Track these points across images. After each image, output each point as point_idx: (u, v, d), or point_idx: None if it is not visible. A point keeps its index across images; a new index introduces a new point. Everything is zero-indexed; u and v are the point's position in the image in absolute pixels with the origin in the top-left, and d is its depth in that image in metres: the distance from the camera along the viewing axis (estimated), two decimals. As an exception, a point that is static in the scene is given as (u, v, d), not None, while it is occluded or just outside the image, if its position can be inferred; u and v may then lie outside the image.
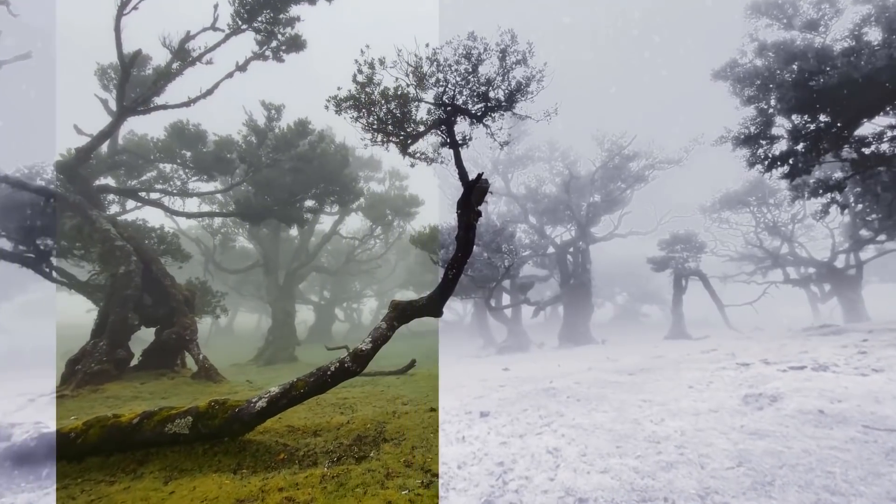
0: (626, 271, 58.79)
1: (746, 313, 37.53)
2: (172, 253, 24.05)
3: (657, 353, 14.67)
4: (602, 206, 34.72)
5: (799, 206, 33.93)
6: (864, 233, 31.98)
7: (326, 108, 13.98)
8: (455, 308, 75.28)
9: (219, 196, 36.19)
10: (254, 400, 6.81)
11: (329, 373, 7.05)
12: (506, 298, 40.41)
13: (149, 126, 25.98)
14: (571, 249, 36.06)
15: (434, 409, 8.41)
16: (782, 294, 38.05)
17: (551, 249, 36.95)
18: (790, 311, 50.84)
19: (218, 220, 38.28)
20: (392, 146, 15.11)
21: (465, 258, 8.72)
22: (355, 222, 45.41)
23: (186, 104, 16.28)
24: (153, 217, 23.22)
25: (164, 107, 16.03)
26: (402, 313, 8.19)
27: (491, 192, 11.21)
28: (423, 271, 61.95)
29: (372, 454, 6.33)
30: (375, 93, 13.64)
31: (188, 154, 24.01)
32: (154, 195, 24.84)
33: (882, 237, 30.20)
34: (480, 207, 10.49)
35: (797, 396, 5.96)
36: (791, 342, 11.76)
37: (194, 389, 13.33)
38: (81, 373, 13.61)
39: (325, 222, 42.57)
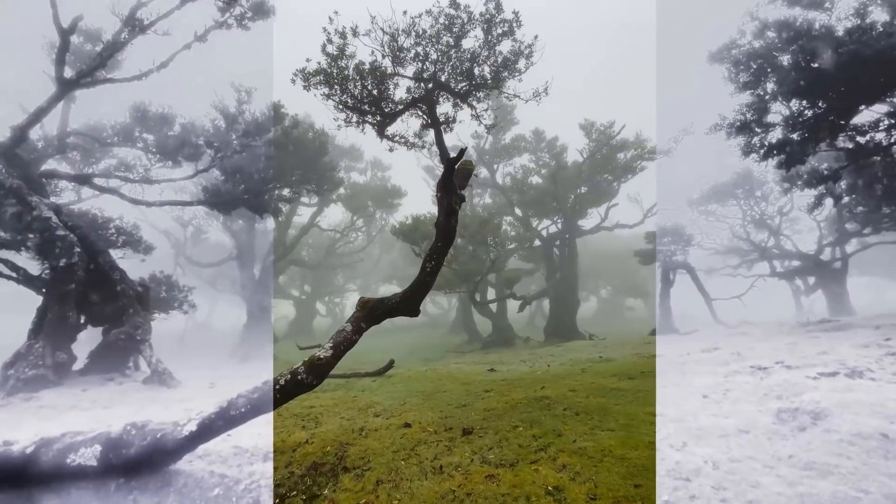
0: (611, 265, 58.42)
1: (731, 307, 37.26)
2: (133, 245, 22.32)
3: (652, 352, 13.72)
4: (589, 198, 33.85)
5: (786, 198, 33.64)
6: (849, 226, 31.83)
7: (293, 81, 12.60)
8: (440, 302, 74.23)
9: (190, 185, 34.21)
10: (182, 423, 5.50)
11: (278, 387, 5.77)
12: (491, 293, 39.44)
13: (111, 108, 23.94)
14: (558, 242, 35.16)
15: (409, 425, 7.21)
16: (766, 287, 37.95)
17: (537, 242, 36.01)
18: (768, 304, 51.06)
19: (189, 211, 36.35)
20: (368, 128, 13.81)
21: (445, 248, 7.51)
22: (336, 214, 43.76)
23: (138, 77, 14.58)
24: (115, 206, 21.37)
25: (112, 80, 14.35)
26: (370, 313, 6.94)
27: (476, 175, 9.99)
28: (407, 265, 60.54)
29: (326, 491, 5.09)
30: (349, 67, 12.28)
31: (150, 138, 22.15)
32: (115, 182, 22.97)
33: (867, 230, 30.03)
34: (464, 192, 9.26)
35: (846, 413, 4.94)
36: (802, 340, 10.91)
37: (143, 397, 11.86)
38: (14, 378, 12.01)
39: (304, 214, 40.88)
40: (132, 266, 24.57)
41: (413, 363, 24.79)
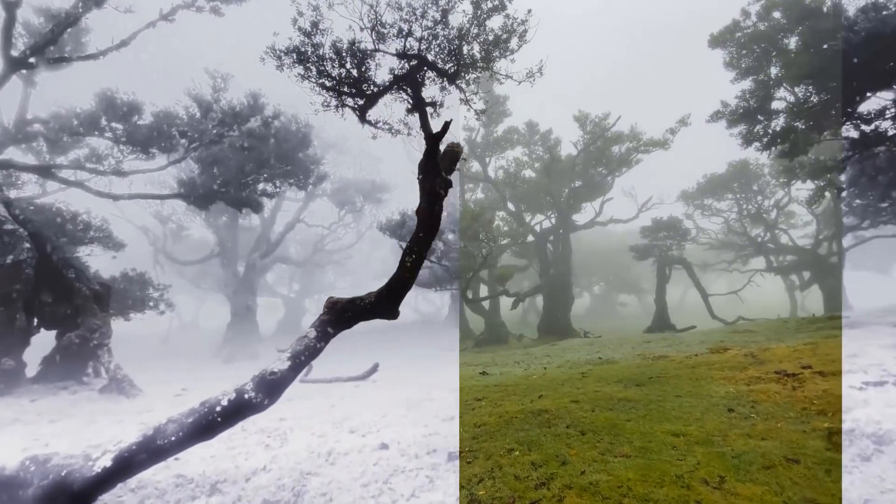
0: (604, 260, 57.73)
1: (726, 303, 36.75)
2: (101, 241, 20.99)
3: (655, 352, 12.80)
4: (584, 192, 32.95)
5: (783, 191, 33.01)
6: (846, 220, 31.26)
7: (262, 60, 11.38)
8: (432, 299, 73.27)
9: (170, 179, 32.73)
10: (95, 457, 4.40)
11: (220, 409, 4.68)
12: (483, 290, 38.48)
13: (80, 96, 22.43)
14: (552, 238, 34.26)
15: (386, 446, 6.17)
16: (759, 282, 37.38)
17: (531, 238, 35.08)
18: (761, 299, 50.79)
19: (168, 206, 34.82)
20: (350, 115, 12.71)
21: (428, 239, 6.44)
22: (323, 210, 42.46)
23: (94, 56, 13.30)
24: (86, 201, 20.04)
25: (66, 59, 13.01)
26: (339, 316, 5.86)
27: (464, 159, 8.85)
28: (397, 262, 59.42)
29: (272, 545, 4.04)
30: (325, 45, 11.12)
31: (119, 127, 20.76)
32: (84, 175, 21.60)
33: (866, 223, 29.46)
34: (451, 178, 8.19)
35: (921, 439, 3.99)
36: (818, 339, 10.02)
37: (97, 408, 10.68)
38: (-48, 389, 10.77)
39: (290, 210, 39.51)
40: (102, 264, 23.28)
41: (403, 363, 23.75)
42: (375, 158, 42.18)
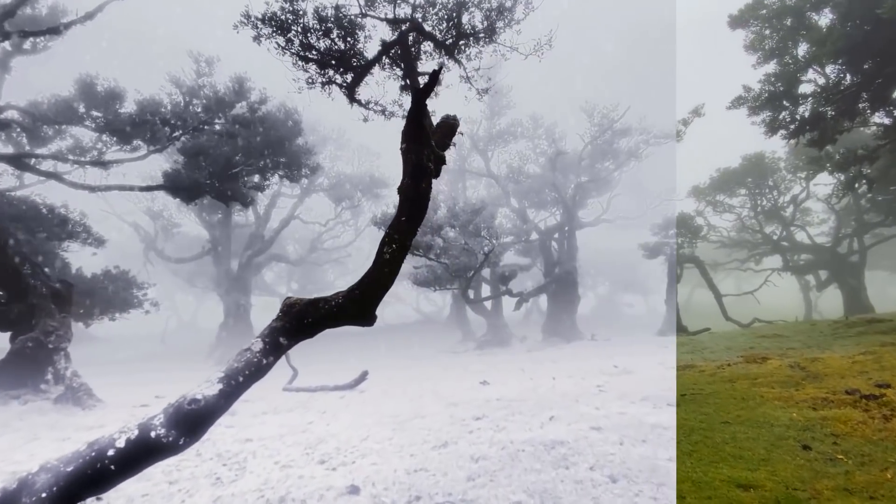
0: (609, 259, 56.18)
1: (739, 304, 35.23)
2: (77, 236, 19.78)
3: (679, 359, 11.42)
4: (590, 188, 31.54)
5: (801, 185, 31.48)
6: (868, 216, 29.77)
7: (236, 29, 10.07)
8: (433, 299, 72.09)
9: (157, 173, 31.50)
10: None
11: (112, 454, 3.36)
12: (486, 290, 37.16)
13: (60, 83, 21.16)
14: (557, 235, 32.87)
15: (356, 490, 4.83)
16: (772, 282, 35.85)
17: (535, 235, 33.69)
18: (774, 300, 49.26)
19: (159, 203, 33.63)
20: (343, 100, 11.44)
21: (412, 225, 5.09)
22: (321, 206, 41.15)
23: (55, 30, 12.03)
24: (69, 195, 18.84)
25: (27, 34, 11.75)
26: (296, 322, 4.54)
27: (461, 133, 7.50)
28: (398, 260, 58.09)
29: None
30: (307, 15, 9.86)
31: (98, 116, 19.52)
32: (64, 166, 20.38)
33: (889, 219, 27.94)
34: (454, 166, 6.82)
35: None
36: (875, 347, 8.61)
37: (45, 422, 9.39)
38: None
39: (287, 207, 38.18)
40: (85, 261, 22.08)
41: (400, 365, 22.47)
42: (374, 154, 40.81)
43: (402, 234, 4.92)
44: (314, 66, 10.54)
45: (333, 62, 10.45)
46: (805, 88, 17.11)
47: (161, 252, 34.31)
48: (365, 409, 9.41)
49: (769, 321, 29.57)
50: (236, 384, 3.93)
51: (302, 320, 4.55)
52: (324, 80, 10.71)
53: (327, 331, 4.95)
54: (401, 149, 5.35)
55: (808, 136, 16.77)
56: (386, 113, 12.21)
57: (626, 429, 5.51)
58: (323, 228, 41.05)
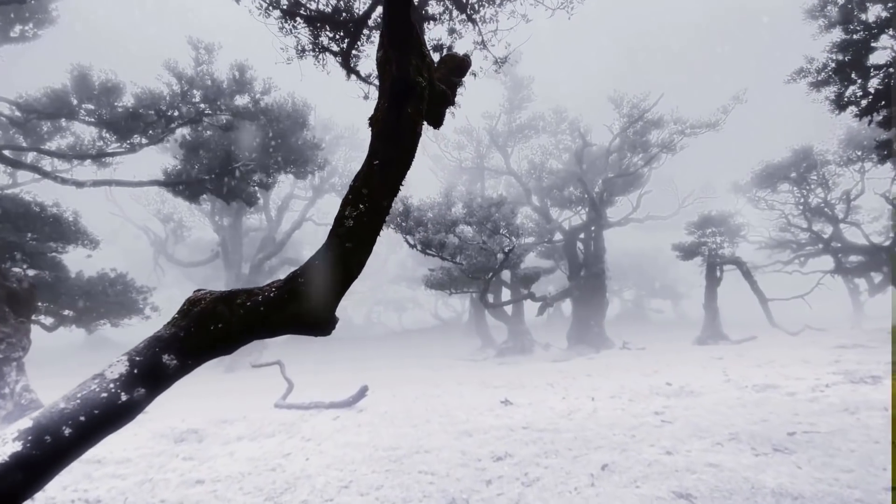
0: (636, 262, 53.24)
1: (785, 309, 32.15)
2: (69, 238, 18.72)
3: (749, 376, 9.23)
4: (619, 184, 29.21)
5: (853, 178, 28.47)
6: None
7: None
8: (452, 304, 70.21)
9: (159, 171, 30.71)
10: None
11: None
12: (505, 294, 35.08)
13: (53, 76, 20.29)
14: (582, 235, 30.59)
15: None
16: (813, 284, 32.62)
17: (558, 236, 31.50)
18: (821, 305, 45.57)
19: (169, 205, 32.85)
20: (331, 62, 9.92)
21: (390, 176, 3.26)
22: (334, 207, 39.78)
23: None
24: (67, 194, 17.85)
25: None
26: (199, 329, 2.74)
27: (473, 74, 5.59)
28: (416, 265, 56.44)
29: None
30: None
31: (95, 109, 18.50)
32: (64, 164, 19.55)
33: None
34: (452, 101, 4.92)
35: None
36: None
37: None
38: None
39: (300, 209, 36.91)
40: (84, 264, 21.05)
41: (412, 376, 20.65)
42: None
43: (372, 189, 3.09)
44: (304, 29, 8.97)
45: (324, 22, 8.90)
46: (878, 58, 14.70)
47: (171, 256, 33.48)
48: (358, 438, 7.58)
49: (820, 329, 26.65)
50: (55, 443, 2.15)
51: (207, 327, 2.76)
52: (316, 47, 9.13)
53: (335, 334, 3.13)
54: (377, 59, 3.52)
55: (881, 114, 14.32)
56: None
57: (734, 499, 3.50)
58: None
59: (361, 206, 3.04)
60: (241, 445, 7.81)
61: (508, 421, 7.50)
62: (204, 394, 17.58)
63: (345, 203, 3.09)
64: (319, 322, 3.01)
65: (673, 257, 54.45)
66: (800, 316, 29.85)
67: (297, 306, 2.91)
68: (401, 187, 3.37)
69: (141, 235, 35.36)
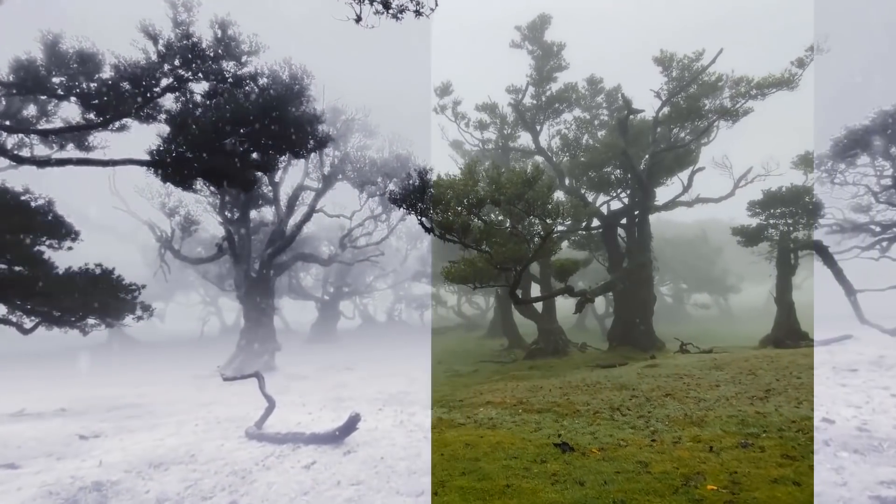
0: (678, 252, 48.55)
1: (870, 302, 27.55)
2: (39, 228, 16.56)
3: (872, 395, 5.78)
4: (667, 161, 25.35)
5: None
6: None
7: None
8: (476, 301, 67.04)
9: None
10: None
11: None
12: (534, 289, 31.70)
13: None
14: (624, 221, 26.92)
15: None
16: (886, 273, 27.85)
17: (596, 222, 27.89)
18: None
19: (175, 198, 30.89)
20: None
21: None
22: (351, 201, 37.16)
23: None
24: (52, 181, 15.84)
25: None
26: None
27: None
28: (437, 261, 53.47)
29: None
30: None
31: (63, 81, 16.22)
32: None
33: None
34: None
35: None
36: None
37: None
38: None
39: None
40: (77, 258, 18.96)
41: (438, 379, 17.72)
42: (407, 141, 36.34)
43: None
44: None
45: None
46: None
47: (178, 252, 31.58)
48: (340, 499, 4.60)
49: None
50: None
51: None
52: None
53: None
54: None
55: None
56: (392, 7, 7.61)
57: None
58: (349, 222, 37.09)
59: None
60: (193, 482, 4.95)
61: (579, 492, 4.34)
62: (201, 404, 15.07)
63: None
64: None
65: (719, 246, 49.55)
66: (878, 309, 25.22)
67: None
68: None
69: (146, 230, 33.73)
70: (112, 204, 29.21)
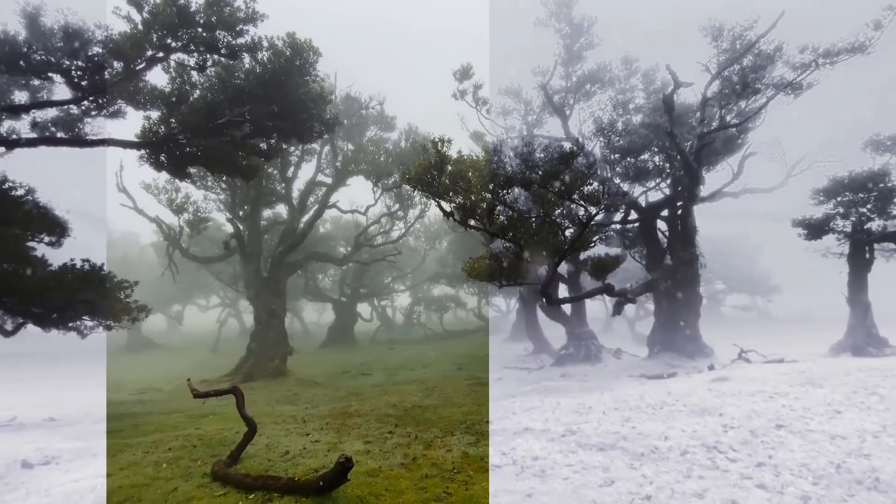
0: (717, 249, 44.98)
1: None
2: (27, 224, 15.12)
3: None
4: (716, 145, 22.57)
5: None
6: None
7: None
8: (497, 303, 64.50)
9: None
10: None
11: None
12: (561, 289, 29.17)
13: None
14: (665, 213, 24.24)
15: None
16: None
17: (633, 215, 25.25)
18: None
19: (181, 194, 29.52)
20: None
21: None
22: (367, 198, 35.32)
23: None
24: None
25: None
26: None
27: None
28: (456, 261, 51.23)
29: None
30: None
31: (46, 59, 14.69)
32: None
33: None
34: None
35: None
36: None
37: None
38: None
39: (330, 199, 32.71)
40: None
41: (458, 387, 15.52)
42: (423, 133, 34.28)
43: None
44: None
45: None
46: None
47: (186, 251, 30.24)
48: None
49: None
50: None
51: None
52: None
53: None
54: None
55: None
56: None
57: None
58: (365, 219, 35.19)
59: None
60: None
61: None
62: (205, 412, 13.13)
63: None
64: None
65: (762, 243, 45.71)
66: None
67: None
68: None
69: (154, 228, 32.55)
70: (119, 201, 27.97)
